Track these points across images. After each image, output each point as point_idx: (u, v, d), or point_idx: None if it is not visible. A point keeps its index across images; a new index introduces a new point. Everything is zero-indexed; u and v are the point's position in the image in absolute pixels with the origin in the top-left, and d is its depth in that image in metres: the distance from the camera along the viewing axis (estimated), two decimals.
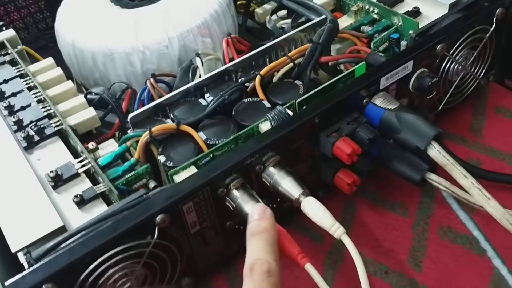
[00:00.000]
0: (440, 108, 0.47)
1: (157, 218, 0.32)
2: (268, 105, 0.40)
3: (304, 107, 0.39)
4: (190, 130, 0.38)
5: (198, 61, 0.46)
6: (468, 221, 0.42)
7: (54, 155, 0.39)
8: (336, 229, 0.33)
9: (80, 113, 0.43)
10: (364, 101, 0.39)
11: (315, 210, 0.34)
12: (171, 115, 0.41)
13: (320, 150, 0.39)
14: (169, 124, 0.39)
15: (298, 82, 0.42)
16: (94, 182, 0.37)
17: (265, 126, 0.38)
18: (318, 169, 0.41)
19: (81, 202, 0.35)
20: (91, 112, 0.43)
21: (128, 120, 0.40)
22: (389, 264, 0.40)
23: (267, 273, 0.27)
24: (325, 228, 0.34)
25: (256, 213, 0.32)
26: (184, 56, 0.49)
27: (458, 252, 0.40)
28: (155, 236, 0.32)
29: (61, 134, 0.41)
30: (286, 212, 0.40)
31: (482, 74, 0.49)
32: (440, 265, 0.39)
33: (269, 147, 0.35)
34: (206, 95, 0.42)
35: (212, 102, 0.40)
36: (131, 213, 0.32)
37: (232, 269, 0.41)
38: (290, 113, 0.38)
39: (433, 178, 0.38)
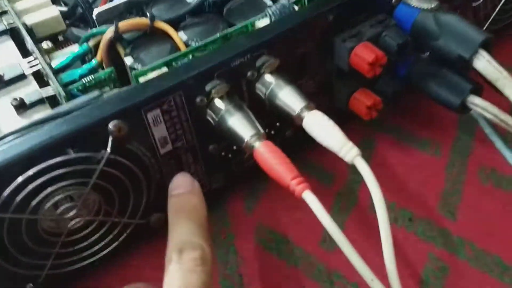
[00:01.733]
0: (485, 27, 0.38)
1: (110, 125, 0.24)
2: (270, 2, 0.32)
3: (315, 0, 0.30)
4: (167, 27, 0.30)
5: None
6: None
7: (1, 55, 0.32)
8: (348, 150, 0.25)
9: (40, 11, 0.35)
10: (394, 0, 0.31)
11: (320, 126, 0.26)
12: (147, 13, 0.32)
13: (334, 61, 0.31)
14: (141, 18, 0.30)
15: None
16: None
17: (262, 23, 0.29)
18: (329, 89, 0.32)
19: (21, 106, 0.27)
20: (53, 11, 0.35)
21: (94, 18, 0.32)
22: (415, 210, 0.32)
23: (200, 260, 0.22)
24: (333, 150, 0.25)
25: (183, 186, 0.26)
26: None
27: (504, 198, 0.31)
28: (108, 149, 0.24)
29: (14, 36, 0.34)
30: (288, 144, 0.32)
31: None
32: (481, 214, 0.31)
33: (266, 46, 0.27)
34: None
35: None
36: (76, 116, 0.24)
37: (218, 210, 0.33)
38: (296, 8, 0.30)
39: (477, 102, 0.30)
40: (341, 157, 0.25)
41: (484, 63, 0.28)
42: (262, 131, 0.26)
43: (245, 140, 0.25)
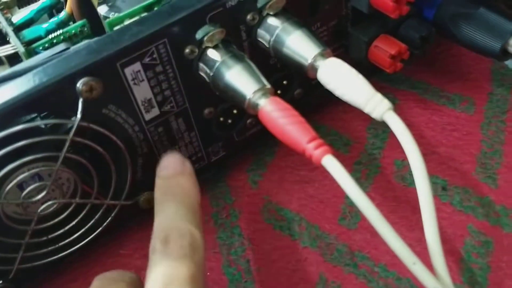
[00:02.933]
0: None
1: (78, 83, 0.19)
2: None
3: None
4: None
5: None
6: None
7: None
8: (376, 104, 0.20)
9: None
10: None
11: (340, 76, 0.21)
12: None
13: (351, 2, 0.26)
14: None
15: None
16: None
17: None
18: (344, 38, 0.27)
19: None
20: None
21: None
22: (448, 177, 0.27)
23: (189, 248, 0.18)
24: (357, 105, 0.20)
25: (171, 166, 0.21)
26: None
27: None
28: (78, 114, 0.20)
29: None
30: (297, 106, 0.27)
31: None
32: None
33: None
34: None
35: None
36: (37, 73, 0.19)
37: (219, 184, 0.28)
38: None
39: None
40: (367, 112, 0.20)
41: None
42: (268, 85, 0.21)
43: (247, 98, 0.20)
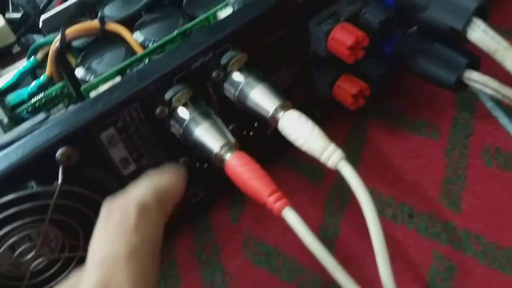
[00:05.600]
0: None
1: (57, 153, 0.21)
2: None
3: None
4: (120, 29, 0.27)
5: None
6: None
7: None
8: (330, 154, 0.22)
9: None
10: None
11: (298, 128, 0.22)
12: (100, 14, 0.29)
13: (311, 48, 0.27)
14: (90, 22, 0.27)
15: None
16: None
17: (225, 13, 0.26)
18: (310, 81, 0.29)
19: None
20: None
21: (40, 24, 0.28)
22: (414, 204, 0.29)
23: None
24: (314, 155, 0.22)
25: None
26: None
27: None
28: (59, 180, 0.21)
29: None
30: (271, 143, 0.29)
31: None
32: (487, 202, 0.28)
33: (230, 40, 0.24)
34: None
35: None
36: (18, 147, 0.21)
37: (201, 222, 0.30)
38: None
39: (474, 77, 0.26)
40: (323, 162, 0.22)
41: (480, 34, 0.25)
42: (233, 140, 0.23)
43: (214, 153, 0.22)
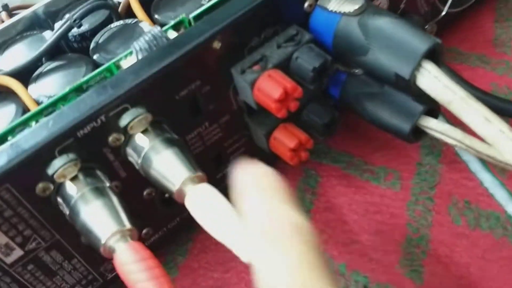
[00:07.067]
0: (444, 12, 0.30)
1: None
2: (148, 28, 0.24)
3: (195, 24, 0.22)
4: (11, 83, 0.23)
5: None
6: (498, 190, 0.26)
7: None
8: (243, 247, 0.17)
9: None
10: (307, 4, 0.23)
11: (206, 208, 0.18)
12: None
13: (239, 96, 0.23)
14: None
15: None
16: None
17: (129, 63, 0.22)
18: (245, 130, 0.25)
19: None
20: None
21: None
22: (370, 272, 0.24)
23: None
24: (224, 243, 0.18)
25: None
26: None
27: (484, 243, 0.24)
28: None
29: None
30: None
31: None
32: (454, 270, 0.24)
33: (129, 99, 0.20)
34: (57, 24, 0.26)
35: (53, 34, 0.24)
36: None
37: None
38: (173, 36, 0.22)
39: (432, 125, 0.22)
40: (236, 254, 0.18)
41: (431, 81, 0.20)
42: (128, 226, 0.18)
43: (102, 243, 0.18)
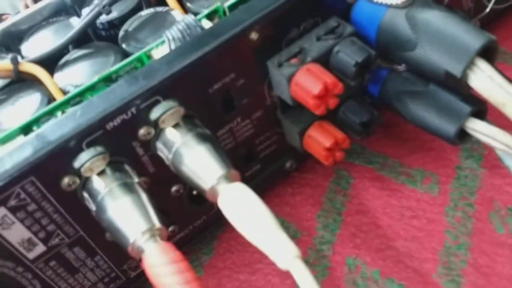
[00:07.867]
0: (489, 9, 0.28)
1: None
2: (180, 17, 0.23)
3: (231, 13, 0.21)
4: (37, 70, 0.22)
5: None
6: None
7: None
8: (281, 251, 0.16)
9: None
10: None
11: (241, 209, 0.17)
12: (21, 49, 0.24)
13: (274, 91, 0.22)
14: (2, 63, 0.22)
15: None
16: None
17: (160, 52, 0.21)
18: (278, 127, 0.24)
19: None
20: None
21: None
22: (406, 279, 0.23)
23: None
24: (261, 248, 0.17)
25: None
26: None
27: None
28: None
29: None
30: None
31: None
32: (495, 281, 0.22)
33: (160, 91, 0.19)
34: (84, 10, 0.25)
35: (80, 20, 0.23)
36: None
37: None
38: (207, 25, 0.21)
39: (480, 128, 0.21)
40: (272, 260, 0.17)
41: (484, 80, 0.19)
42: (158, 225, 0.17)
43: (131, 242, 0.17)
